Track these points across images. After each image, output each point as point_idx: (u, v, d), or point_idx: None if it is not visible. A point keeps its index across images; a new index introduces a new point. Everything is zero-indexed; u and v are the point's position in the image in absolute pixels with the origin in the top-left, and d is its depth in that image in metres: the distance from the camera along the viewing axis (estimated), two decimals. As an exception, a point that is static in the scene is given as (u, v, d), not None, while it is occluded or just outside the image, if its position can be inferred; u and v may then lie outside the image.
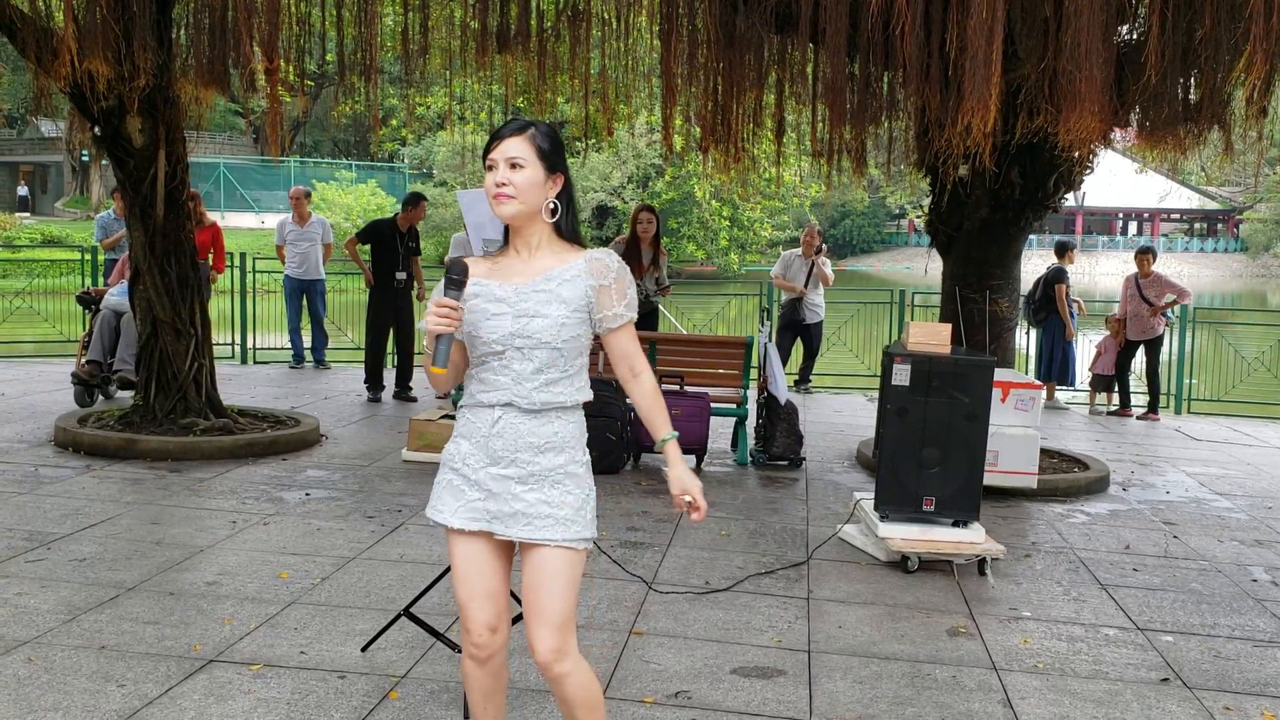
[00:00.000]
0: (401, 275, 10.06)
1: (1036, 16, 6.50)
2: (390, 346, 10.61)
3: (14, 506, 5.94)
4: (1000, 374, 6.80)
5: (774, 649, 4.38)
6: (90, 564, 5.02)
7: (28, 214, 40.75)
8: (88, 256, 12.47)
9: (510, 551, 2.84)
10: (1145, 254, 11.62)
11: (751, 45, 8.22)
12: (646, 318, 8.77)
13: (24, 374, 10.84)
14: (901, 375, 5.60)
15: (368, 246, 10.27)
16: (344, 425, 8.82)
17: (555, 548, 2.70)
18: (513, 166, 2.65)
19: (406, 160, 42.68)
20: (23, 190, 43.63)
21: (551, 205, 2.70)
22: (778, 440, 7.88)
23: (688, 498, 2.73)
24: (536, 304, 2.66)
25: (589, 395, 2.76)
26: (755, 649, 4.37)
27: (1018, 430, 6.90)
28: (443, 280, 2.63)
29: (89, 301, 9.66)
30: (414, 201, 10.37)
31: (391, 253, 10.04)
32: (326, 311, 12.34)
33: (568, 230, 2.75)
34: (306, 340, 12.24)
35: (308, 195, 12.44)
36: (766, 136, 10.16)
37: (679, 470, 2.75)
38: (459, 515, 2.76)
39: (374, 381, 10.22)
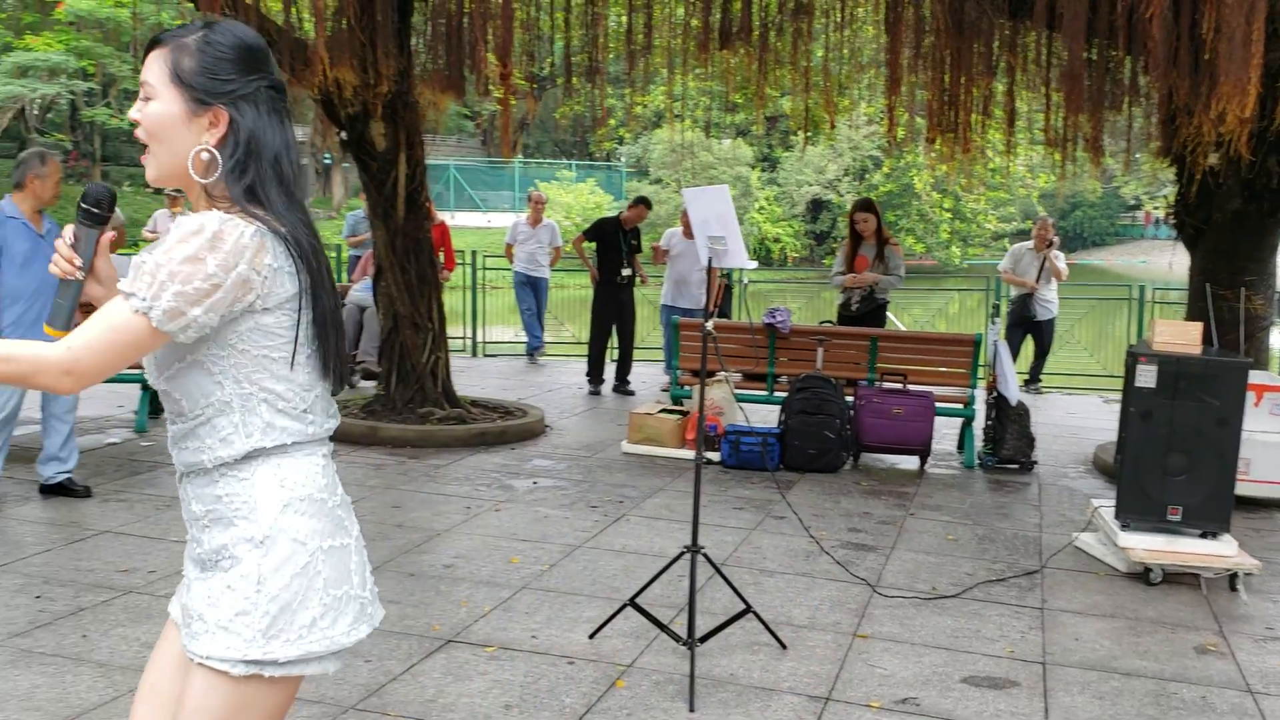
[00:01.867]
0: (626, 272, 10.31)
1: (1303, -10, 6.01)
2: (613, 341, 10.85)
3: (271, 487, 6.38)
4: (1254, 376, 6.32)
5: (1006, 659, 4.23)
6: (339, 544, 5.34)
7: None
8: (332, 254, 13.28)
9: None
10: None
11: (982, 32, 7.95)
12: (872, 314, 8.59)
13: (276, 364, 11.62)
14: (1147, 376, 5.29)
15: (594, 244, 10.56)
16: (567, 417, 9.07)
17: (197, 665, 1.82)
18: (145, 98, 1.83)
19: (623, 159, 43.43)
20: None
21: (205, 155, 1.80)
22: (1008, 442, 7.60)
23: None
24: None
25: (253, 441, 1.82)
26: (986, 658, 4.23)
27: (1273, 437, 6.42)
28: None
29: (335, 296, 10.30)
30: (639, 203, 10.65)
31: (615, 250, 10.30)
32: (546, 306, 12.72)
33: (229, 193, 1.80)
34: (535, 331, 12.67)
35: (545, 201, 12.88)
36: (995, 125, 9.83)
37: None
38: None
39: (595, 375, 10.48)
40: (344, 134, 8.15)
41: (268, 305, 1.78)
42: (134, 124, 1.84)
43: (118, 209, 2.02)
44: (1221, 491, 5.29)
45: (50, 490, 5.99)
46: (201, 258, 1.70)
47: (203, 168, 1.81)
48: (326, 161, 42.28)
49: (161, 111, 1.81)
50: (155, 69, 1.81)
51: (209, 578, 1.83)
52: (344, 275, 12.33)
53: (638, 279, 10.67)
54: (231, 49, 1.82)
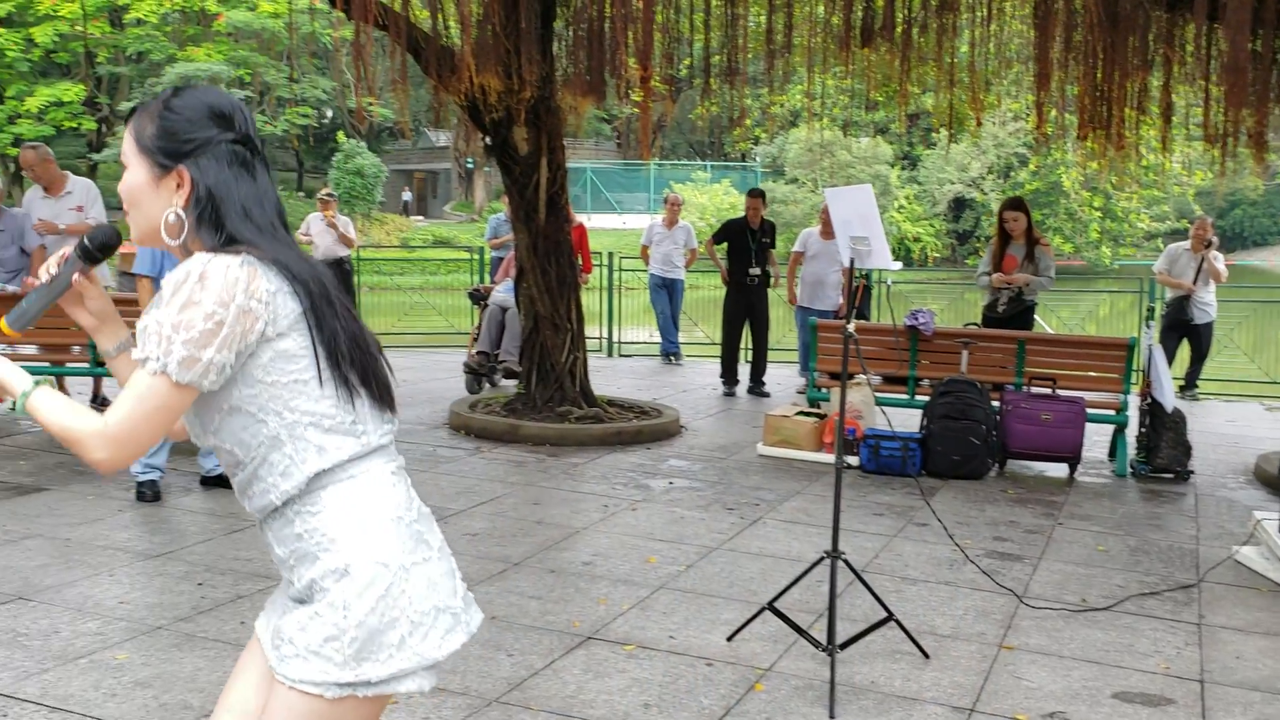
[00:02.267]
0: (755, 271, 10.24)
1: None
2: (746, 342, 10.80)
3: (416, 484, 6.49)
4: None
5: (1161, 675, 4.07)
6: (481, 539, 5.47)
7: (420, 217, 44.95)
8: (475, 256, 13.59)
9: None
10: None
11: (1137, 24, 7.65)
12: (1020, 316, 8.34)
13: (421, 363, 11.97)
14: (1316, 384, 5.01)
15: (724, 245, 10.53)
16: (701, 417, 9.08)
17: (288, 687, 1.85)
18: (124, 168, 1.89)
19: (759, 159, 43.24)
20: (406, 195, 48.04)
21: (172, 217, 1.83)
22: (1162, 450, 7.29)
23: None
24: None
25: (316, 464, 1.83)
26: (1139, 674, 4.08)
27: None
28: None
29: (478, 297, 10.55)
30: (753, 196, 10.58)
31: (744, 250, 10.26)
32: (681, 308, 12.76)
33: (206, 248, 1.82)
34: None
35: (681, 203, 12.92)
36: (1149, 121, 9.45)
37: None
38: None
39: (729, 376, 10.46)
40: (488, 139, 8.33)
41: (280, 329, 1.78)
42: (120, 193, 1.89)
43: None
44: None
45: (210, 482, 6.28)
46: (196, 300, 1.70)
47: (171, 229, 1.83)
48: (469, 166, 43.27)
49: (131, 180, 1.85)
50: (126, 139, 1.85)
51: (302, 605, 1.86)
52: (487, 277, 12.60)
53: (772, 279, 10.55)
54: (191, 109, 1.84)
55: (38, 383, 1.80)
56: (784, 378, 11.14)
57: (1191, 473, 7.33)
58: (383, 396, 1.92)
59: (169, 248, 1.86)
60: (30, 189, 8.49)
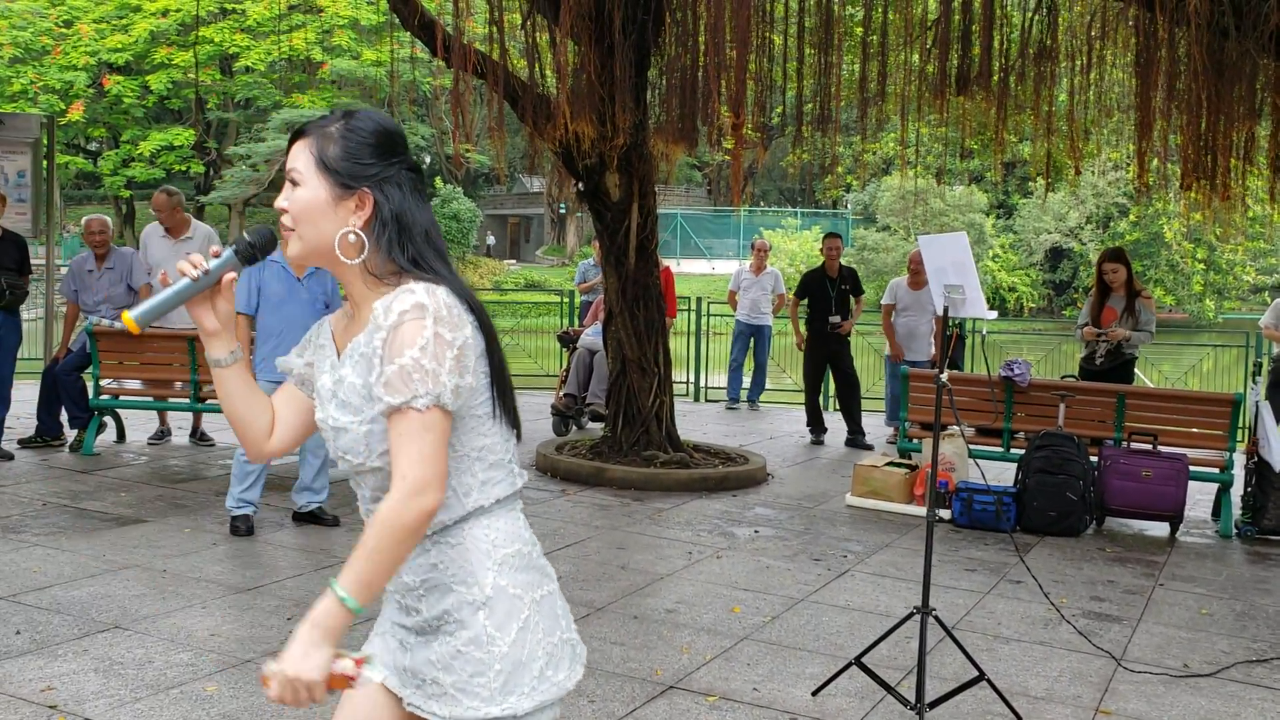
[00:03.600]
0: (835, 318, 10.12)
1: None
2: (834, 391, 10.68)
3: (502, 524, 6.60)
4: None
5: (1270, 749, 3.88)
6: (565, 582, 5.46)
7: (513, 261, 45.59)
8: (565, 299, 13.71)
9: None
10: None
11: (1243, 73, 7.46)
12: (1119, 369, 8.12)
13: (509, 404, 12.05)
14: None
15: (805, 300, 10.49)
16: (788, 465, 8.99)
17: None
18: (291, 184, 1.89)
19: (850, 206, 43.05)
20: (491, 240, 48.50)
21: (351, 237, 1.86)
22: (1270, 511, 7.00)
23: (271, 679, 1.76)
24: (337, 409, 1.88)
25: (471, 501, 1.87)
26: (1247, 746, 3.89)
27: None
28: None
29: (567, 340, 10.63)
30: (827, 238, 10.57)
31: (824, 299, 10.20)
32: (770, 354, 12.68)
33: (393, 268, 1.87)
34: (746, 381, 12.64)
35: (769, 249, 12.91)
36: (1256, 172, 9.19)
37: (298, 632, 1.75)
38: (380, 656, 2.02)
39: (815, 424, 10.34)
40: (580, 184, 8.43)
41: (466, 369, 1.82)
42: (280, 209, 1.89)
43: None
44: None
45: (302, 518, 6.39)
46: (436, 333, 1.75)
47: (350, 249, 1.86)
48: (562, 211, 43.85)
49: (309, 197, 1.85)
50: (302, 157, 1.87)
51: (431, 642, 1.88)
52: (576, 320, 12.70)
53: (842, 325, 10.18)
54: (371, 134, 1.87)
55: (342, 595, 1.74)
56: (869, 427, 10.95)
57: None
58: (518, 431, 2.00)
59: (333, 263, 1.87)
60: (149, 225, 8.79)
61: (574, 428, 9.88)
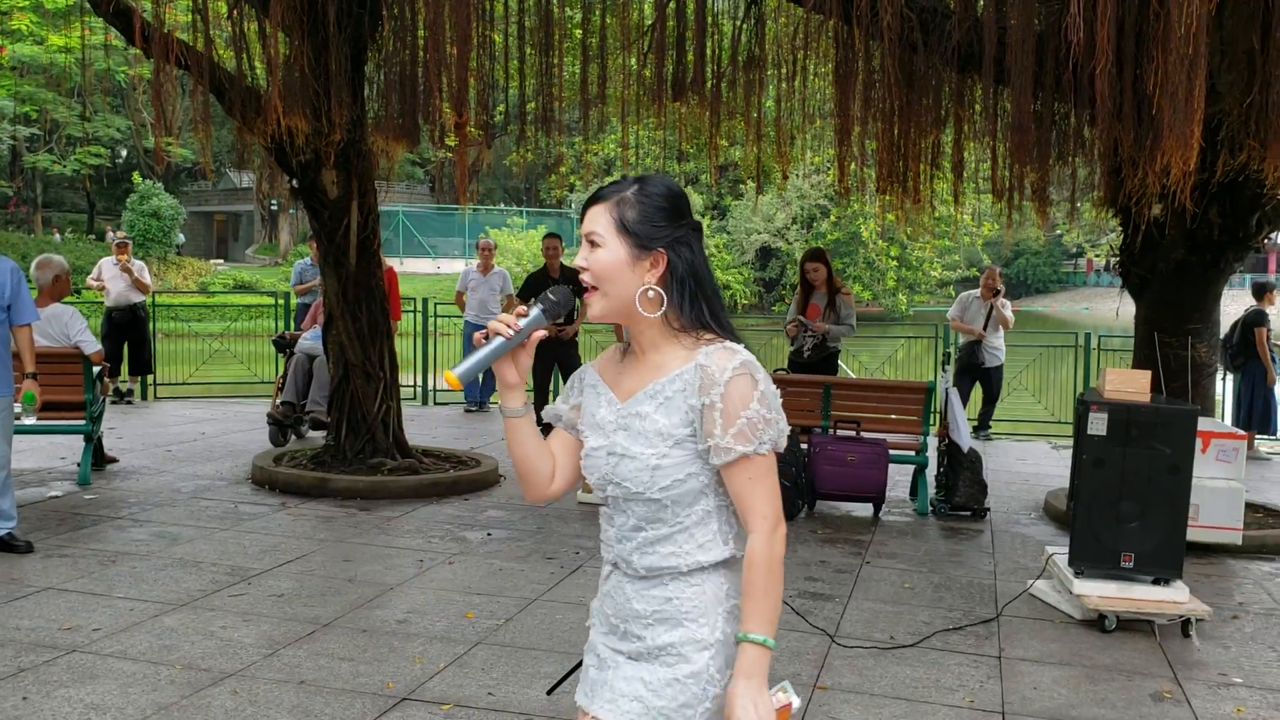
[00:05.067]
0: (560, 320, 10.15)
1: (1240, 49, 6.19)
2: (558, 388, 10.78)
3: (217, 542, 6.25)
4: (1201, 423, 6.42)
5: (966, 709, 4.22)
6: (288, 599, 5.22)
7: (220, 261, 43.24)
8: (280, 301, 13.14)
9: None
10: (1358, 295, 10.87)
11: (930, 85, 8.09)
12: (825, 361, 8.66)
13: (222, 414, 11.45)
14: (1098, 424, 5.35)
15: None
16: (520, 466, 8.97)
17: None
18: (591, 245, 2.05)
19: (574, 205, 43.61)
20: (180, 238, 45.45)
21: (650, 293, 2.01)
22: (960, 489, 7.64)
23: None
24: (627, 438, 2.03)
25: (728, 549, 2.04)
26: (946, 709, 4.22)
27: (1220, 482, 6.50)
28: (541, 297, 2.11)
29: (283, 345, 10.17)
30: (546, 238, 10.61)
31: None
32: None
33: (684, 320, 2.03)
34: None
35: (495, 248, 12.83)
36: (942, 176, 9.98)
37: (737, 688, 1.94)
38: (580, 687, 2.18)
39: (546, 426, 10.36)
40: (295, 181, 8.09)
41: None
42: (579, 269, 2.04)
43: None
44: (1173, 538, 5.35)
45: (-10, 545, 5.81)
46: (762, 390, 1.96)
47: (649, 304, 2.02)
48: (274, 208, 42.02)
49: (609, 258, 2.01)
50: (602, 221, 2.02)
51: (645, 666, 2.03)
52: (292, 324, 12.19)
53: (573, 326, 10.29)
54: (663, 199, 2.03)
55: (761, 640, 1.94)
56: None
57: (988, 510, 7.69)
58: None
59: (632, 317, 2.04)
60: None
61: (293, 437, 9.47)
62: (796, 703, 1.99)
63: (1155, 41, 5.69)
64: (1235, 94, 6.24)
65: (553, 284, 10.07)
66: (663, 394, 2.00)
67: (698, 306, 2.02)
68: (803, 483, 7.43)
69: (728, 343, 2.00)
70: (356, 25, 7.70)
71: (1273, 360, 10.98)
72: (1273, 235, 7.82)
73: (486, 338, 2.03)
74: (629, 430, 2.02)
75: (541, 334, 2.05)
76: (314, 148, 7.71)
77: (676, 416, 1.98)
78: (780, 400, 2.00)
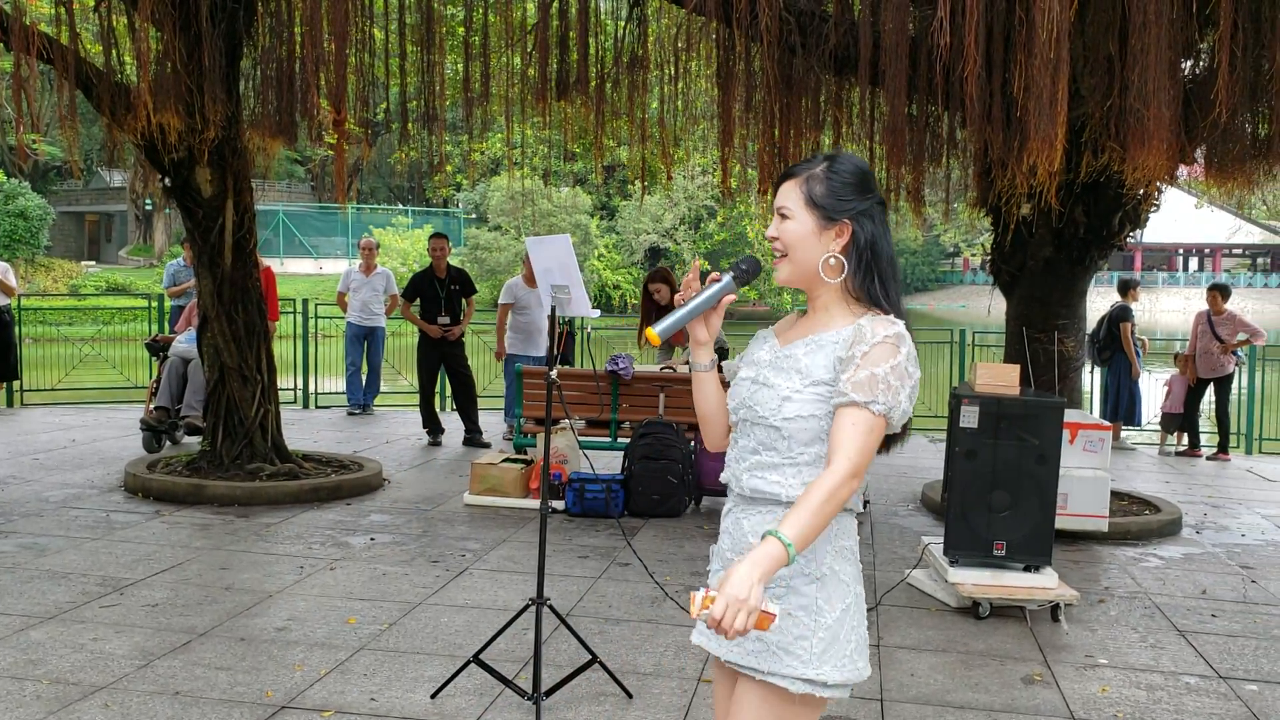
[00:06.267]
0: (444, 320, 10.10)
1: (1100, 54, 6.45)
2: (450, 391, 10.67)
3: (88, 552, 6.03)
4: (1068, 415, 6.68)
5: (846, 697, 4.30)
6: (163, 609, 5.07)
7: (92, 262, 41.68)
8: (154, 304, 12.73)
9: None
10: (1218, 291, 11.41)
11: (809, 87, 8.24)
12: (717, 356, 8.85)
13: (93, 420, 11.04)
14: (970, 417, 5.52)
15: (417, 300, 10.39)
16: (405, 469, 8.88)
17: (755, 682, 2.15)
18: (782, 217, 2.25)
19: (461, 205, 43.23)
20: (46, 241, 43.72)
21: (832, 261, 2.21)
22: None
23: (708, 605, 1.96)
24: (773, 373, 2.23)
25: (851, 500, 2.18)
26: (827, 697, 4.30)
27: (1087, 472, 6.77)
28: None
29: (157, 348, 9.85)
30: (432, 237, 10.48)
31: (433, 300, 10.16)
32: (384, 357, 12.46)
33: (859, 289, 2.22)
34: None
35: (377, 247, 12.62)
36: (823, 178, 10.14)
37: (740, 567, 1.96)
38: (697, 625, 2.29)
39: (431, 426, 10.28)
40: (168, 180, 7.85)
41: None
42: (771, 239, 2.25)
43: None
44: (1042, 526, 5.55)
45: None
46: (900, 363, 2.11)
47: (831, 270, 2.22)
48: (148, 208, 40.69)
49: (798, 229, 2.22)
50: (792, 195, 2.23)
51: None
52: (166, 327, 11.83)
53: (459, 326, 10.25)
54: (851, 175, 2.23)
55: (787, 542, 1.98)
56: (487, 424, 11.05)
57: (867, 502, 7.87)
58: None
59: (813, 283, 2.24)
60: None
61: (167, 443, 9.19)
62: (778, 618, 2.02)
63: (1021, 46, 5.90)
64: (1097, 97, 6.50)
65: (439, 282, 10.02)
66: (818, 343, 2.20)
67: (871, 277, 2.22)
68: (689, 479, 7.49)
69: (892, 316, 2.19)
70: (231, 20, 7.50)
71: (1137, 354, 11.48)
72: (1135, 233, 8.17)
73: (683, 301, 2.26)
74: (777, 367, 2.23)
75: (731, 297, 2.29)
76: (187, 145, 7.49)
77: (822, 361, 2.17)
78: (915, 385, 2.15)
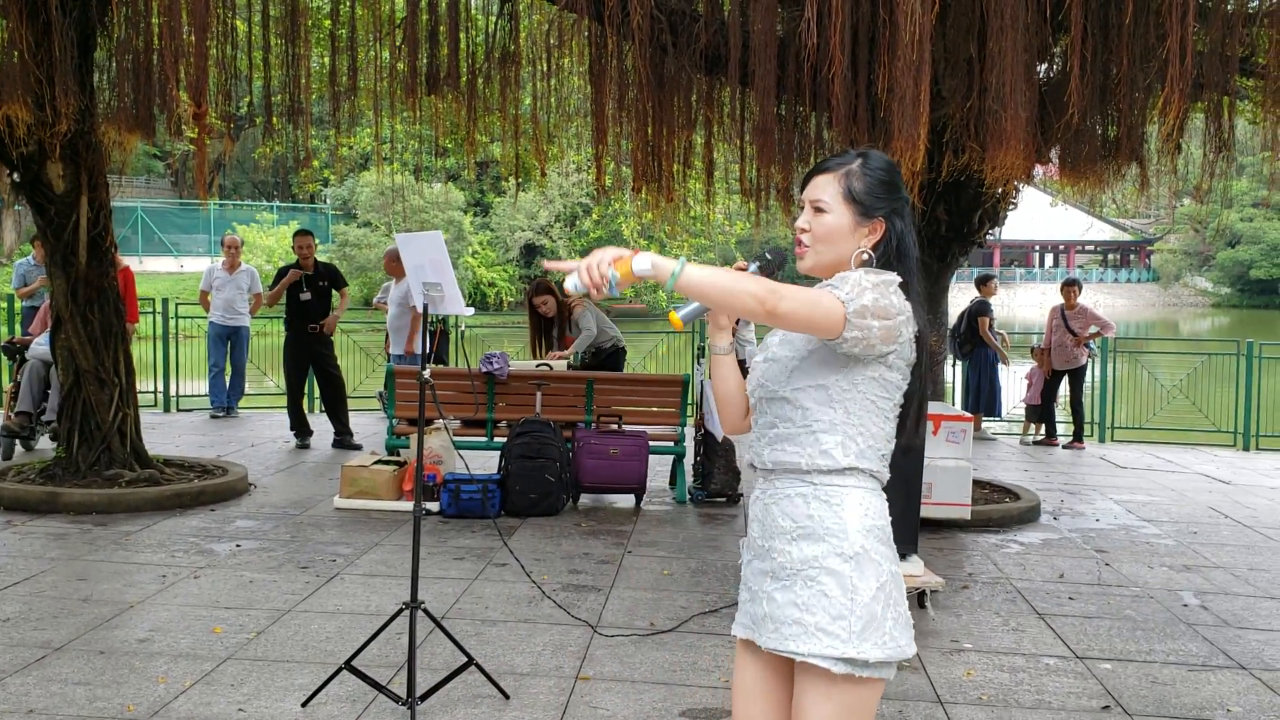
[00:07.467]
0: (314, 326, 9.86)
1: (960, 57, 6.66)
2: (318, 393, 10.43)
3: (-70, 566, 5.71)
4: (933, 407, 6.89)
5: (723, 689, 4.36)
6: (15, 624, 4.83)
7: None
8: (3, 304, 12.12)
9: (790, 672, 2.30)
10: (1071, 286, 11.91)
11: (681, 86, 8.31)
12: (612, 356, 8.87)
13: (-64, 427, 10.45)
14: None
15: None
16: (272, 473, 8.65)
17: (815, 674, 2.18)
18: (816, 210, 2.30)
19: (329, 201, 42.29)
20: None
21: (865, 256, 2.27)
22: (715, 477, 7.90)
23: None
24: (780, 347, 2.33)
25: (848, 460, 2.22)
26: (704, 690, 4.35)
27: (950, 462, 6.99)
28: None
29: (14, 351, 9.39)
30: (298, 235, 10.19)
31: (299, 298, 9.92)
32: (249, 357, 12.11)
33: None
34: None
35: (241, 245, 12.24)
36: (695, 176, 10.26)
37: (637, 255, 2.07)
38: (736, 617, 2.36)
39: (299, 428, 10.03)
40: (16, 175, 7.49)
41: (894, 365, 2.23)
42: (801, 230, 2.31)
43: None
44: (908, 515, 5.69)
45: None
46: (887, 293, 2.15)
47: (861, 265, 2.26)
48: (-4, 203, 38.74)
49: (833, 223, 2.29)
50: (830, 189, 2.30)
51: (790, 586, 2.19)
52: (18, 328, 11.27)
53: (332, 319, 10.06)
54: (885, 173, 2.31)
55: (684, 260, 2.07)
56: (361, 426, 10.83)
57: (741, 496, 7.98)
58: (903, 442, 2.35)
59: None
60: None
61: (21, 450, 8.77)
62: (645, 269, 2.05)
63: (885, 48, 6.06)
64: (957, 99, 6.71)
65: (307, 280, 9.77)
66: None
67: (903, 272, 2.27)
68: (567, 477, 7.48)
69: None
70: (83, 9, 7.21)
71: (1000, 343, 11.91)
72: (994, 231, 8.46)
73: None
74: (784, 343, 2.32)
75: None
76: (38, 139, 7.17)
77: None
78: (894, 326, 2.15)
